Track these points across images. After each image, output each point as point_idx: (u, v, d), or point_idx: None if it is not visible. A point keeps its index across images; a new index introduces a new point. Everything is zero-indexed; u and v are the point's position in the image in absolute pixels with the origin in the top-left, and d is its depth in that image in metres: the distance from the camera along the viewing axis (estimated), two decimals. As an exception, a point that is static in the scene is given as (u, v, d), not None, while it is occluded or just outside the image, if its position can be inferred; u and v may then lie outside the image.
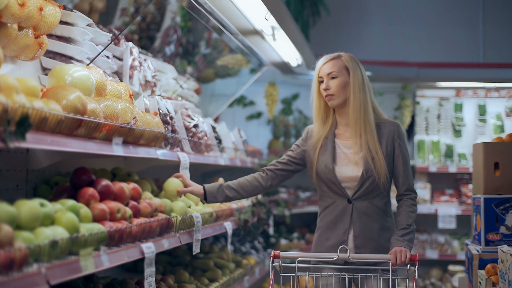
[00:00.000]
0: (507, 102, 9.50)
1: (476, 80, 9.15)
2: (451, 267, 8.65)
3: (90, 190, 3.21)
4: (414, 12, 10.15)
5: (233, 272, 5.52)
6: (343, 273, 3.85)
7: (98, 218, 3.11)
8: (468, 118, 9.57)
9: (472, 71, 9.00)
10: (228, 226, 5.14)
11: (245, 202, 5.89)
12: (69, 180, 3.39)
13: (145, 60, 5.07)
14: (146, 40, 6.77)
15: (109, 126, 3.24)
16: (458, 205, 9.06)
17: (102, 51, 4.14)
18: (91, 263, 2.85)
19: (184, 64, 7.06)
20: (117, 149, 3.39)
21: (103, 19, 6.36)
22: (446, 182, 9.48)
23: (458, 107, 9.50)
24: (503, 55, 9.77)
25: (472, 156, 5.59)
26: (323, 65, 4.11)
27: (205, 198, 4.16)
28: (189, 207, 4.45)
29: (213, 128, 5.61)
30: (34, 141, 2.59)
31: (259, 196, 6.39)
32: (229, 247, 5.64)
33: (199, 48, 7.53)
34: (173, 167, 5.29)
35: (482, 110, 9.45)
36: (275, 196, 7.19)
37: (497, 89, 9.48)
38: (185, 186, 4.22)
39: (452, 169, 9.13)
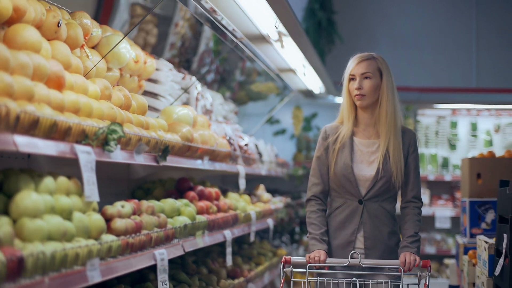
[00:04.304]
0: (496, 120, 10.84)
1: (469, 103, 10.46)
2: (446, 260, 9.66)
3: (192, 193, 4.64)
4: (415, 40, 11.28)
5: (271, 259, 6.92)
6: (354, 279, 3.81)
7: (199, 212, 4.54)
8: (462, 134, 10.89)
9: (466, 96, 10.29)
10: (270, 222, 6.56)
11: (280, 204, 7.31)
12: (174, 186, 4.80)
13: (203, 92, 6.47)
14: (184, 62, 7.75)
15: (203, 149, 4.68)
16: (452, 208, 10.34)
17: (183, 92, 5.54)
18: (201, 241, 4.29)
19: (224, 90, 8.41)
20: (206, 165, 4.81)
21: (155, 52, 7.50)
22: (443, 189, 10.72)
23: (453, 125, 10.83)
24: (494, 79, 10.95)
25: (460, 168, 6.84)
26: (358, 64, 4.01)
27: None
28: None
29: (256, 146, 7.03)
30: (169, 161, 4.01)
31: (289, 199, 7.81)
32: (271, 239, 7.06)
33: (235, 75, 8.90)
34: (218, 176, 6.72)
35: (474, 127, 10.77)
36: (300, 200, 8.59)
37: (488, 108, 10.77)
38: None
39: (448, 177, 10.45)
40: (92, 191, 2.90)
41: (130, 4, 7.00)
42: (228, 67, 8.92)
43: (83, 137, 2.93)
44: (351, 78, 4.04)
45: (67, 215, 2.70)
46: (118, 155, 3.24)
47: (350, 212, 4.01)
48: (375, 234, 3.98)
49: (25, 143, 2.41)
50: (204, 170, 5.63)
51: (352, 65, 4.04)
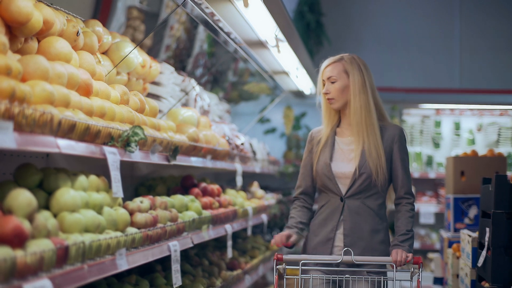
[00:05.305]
0: (478, 119, 11.20)
1: (453, 103, 10.81)
2: (430, 255, 9.70)
3: (196, 190, 4.95)
4: (401, 42, 11.51)
5: (265, 253, 7.24)
6: (347, 276, 3.82)
7: (203, 207, 4.85)
8: (446, 133, 11.23)
9: (450, 96, 10.62)
10: (264, 217, 6.89)
11: (272, 200, 7.63)
12: (180, 183, 5.11)
13: (201, 93, 6.77)
14: (178, 63, 7.95)
15: (207, 148, 4.99)
16: (436, 204, 10.67)
17: (184, 96, 5.84)
18: (207, 234, 4.60)
19: (217, 90, 8.70)
20: (208, 163, 5.12)
21: (150, 53, 7.65)
22: (427, 186, 11.04)
23: (437, 124, 11.17)
24: (477, 80, 11.20)
25: (445, 166, 7.15)
26: (324, 69, 4.09)
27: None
28: (242, 203, 6.19)
29: (250, 144, 7.35)
30: (178, 160, 4.32)
31: (280, 196, 8.14)
32: (264, 233, 7.37)
33: (227, 76, 9.19)
34: (212, 174, 7.00)
35: (457, 126, 11.13)
36: (290, 196, 8.91)
37: (471, 109, 11.14)
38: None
39: (432, 175, 10.77)
40: (118, 188, 3.22)
41: (126, 7, 7.24)
42: (221, 68, 9.20)
43: (109, 139, 3.24)
44: (323, 83, 4.12)
45: (98, 209, 3.02)
46: (137, 155, 3.55)
47: (332, 209, 4.03)
48: (355, 231, 3.96)
49: (65, 145, 2.72)
50: (200, 168, 5.92)
51: (320, 70, 4.13)
